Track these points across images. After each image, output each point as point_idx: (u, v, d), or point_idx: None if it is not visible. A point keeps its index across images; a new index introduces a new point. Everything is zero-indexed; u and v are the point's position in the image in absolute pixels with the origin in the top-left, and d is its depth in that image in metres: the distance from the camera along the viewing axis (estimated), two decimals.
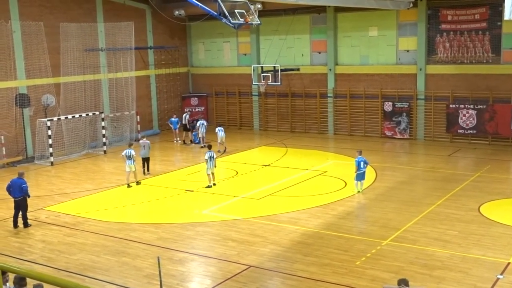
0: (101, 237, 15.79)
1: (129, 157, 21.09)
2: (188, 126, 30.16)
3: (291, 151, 27.27)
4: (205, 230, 16.25)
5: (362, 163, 19.28)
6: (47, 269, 13.45)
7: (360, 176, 19.39)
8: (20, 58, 26.47)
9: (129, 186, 21.30)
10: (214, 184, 20.84)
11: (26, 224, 16.87)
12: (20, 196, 16.70)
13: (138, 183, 21.62)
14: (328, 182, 21.14)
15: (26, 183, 16.88)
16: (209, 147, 21.55)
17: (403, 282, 9.61)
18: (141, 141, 24.41)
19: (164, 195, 20.17)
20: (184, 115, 31.07)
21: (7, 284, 9.36)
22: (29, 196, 17.00)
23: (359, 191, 19.36)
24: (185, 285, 12.68)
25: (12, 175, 23.52)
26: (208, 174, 20.76)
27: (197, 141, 29.16)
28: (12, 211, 16.93)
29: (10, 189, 16.80)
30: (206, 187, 20.64)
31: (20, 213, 16.88)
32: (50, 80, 27.37)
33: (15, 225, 16.83)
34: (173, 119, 30.79)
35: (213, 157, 20.69)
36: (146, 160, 23.43)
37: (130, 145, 22.15)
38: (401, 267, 12.89)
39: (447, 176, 21.45)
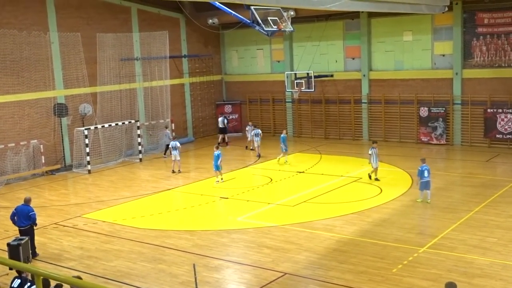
0: (137, 244, 15.97)
1: (174, 148, 24.79)
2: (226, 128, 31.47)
3: (325, 157, 27.13)
4: (240, 237, 16.28)
5: (426, 172, 18.52)
6: (85, 276, 13.64)
7: (424, 185, 18.54)
8: (58, 68, 27.02)
9: (173, 172, 24.97)
10: (376, 179, 21.62)
11: (34, 254, 14.95)
12: (27, 225, 14.94)
13: (179, 171, 24.99)
14: (363, 188, 20.95)
15: (34, 211, 15.17)
16: (374, 141, 22.78)
17: (450, 286, 9.32)
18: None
19: (199, 202, 20.28)
20: (221, 118, 31.98)
21: None
22: (35, 225, 15.31)
23: (422, 201, 18.53)
24: None
25: (51, 183, 24.26)
26: (374, 168, 21.62)
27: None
28: (50, 218, 16.95)
29: (15, 218, 15.02)
30: (375, 180, 21.60)
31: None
32: (87, 89, 27.88)
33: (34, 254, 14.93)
34: (217, 152, 22.99)
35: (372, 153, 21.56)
36: None
37: (174, 138, 26.64)
38: (439, 275, 12.67)
39: (485, 182, 21.03)
